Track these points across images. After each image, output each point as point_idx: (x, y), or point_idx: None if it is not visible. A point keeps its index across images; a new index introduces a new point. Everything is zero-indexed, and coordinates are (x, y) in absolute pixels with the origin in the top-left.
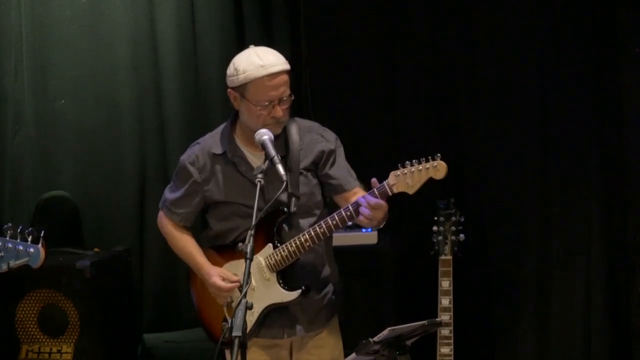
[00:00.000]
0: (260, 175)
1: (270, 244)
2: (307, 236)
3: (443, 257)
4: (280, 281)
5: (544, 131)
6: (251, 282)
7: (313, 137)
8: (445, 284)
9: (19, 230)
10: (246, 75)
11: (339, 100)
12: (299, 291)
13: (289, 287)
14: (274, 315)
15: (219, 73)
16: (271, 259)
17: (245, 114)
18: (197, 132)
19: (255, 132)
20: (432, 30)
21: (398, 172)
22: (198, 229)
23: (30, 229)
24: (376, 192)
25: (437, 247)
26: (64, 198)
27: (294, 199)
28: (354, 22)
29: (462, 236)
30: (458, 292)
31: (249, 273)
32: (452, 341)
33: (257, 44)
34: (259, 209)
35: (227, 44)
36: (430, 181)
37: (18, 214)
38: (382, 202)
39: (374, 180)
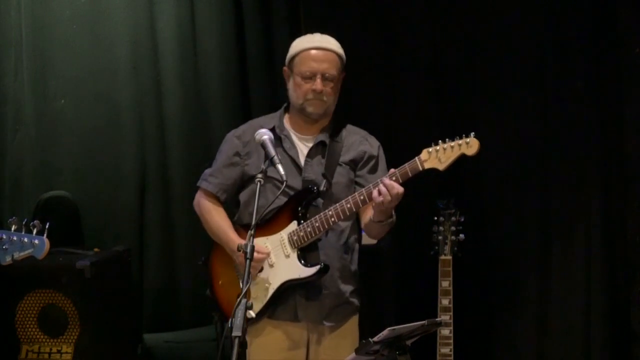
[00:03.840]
0: (260, 176)
1: (295, 221)
2: (333, 212)
3: (443, 257)
4: (301, 259)
5: (544, 131)
6: (270, 259)
7: (358, 139)
8: (445, 284)
9: (23, 223)
10: (297, 47)
11: (339, 98)
12: (317, 267)
13: (309, 265)
14: (289, 297)
15: (219, 72)
16: (294, 235)
17: (291, 89)
18: (197, 132)
19: (300, 109)
20: (432, 28)
21: (430, 149)
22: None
23: (35, 220)
24: (407, 167)
25: (437, 247)
26: (63, 198)
27: (325, 181)
28: (354, 22)
29: (462, 236)
30: (458, 292)
31: (249, 273)
32: (452, 341)
33: (256, 44)
34: (290, 187)
35: (226, 44)
36: (462, 158)
37: (18, 213)
38: (396, 186)
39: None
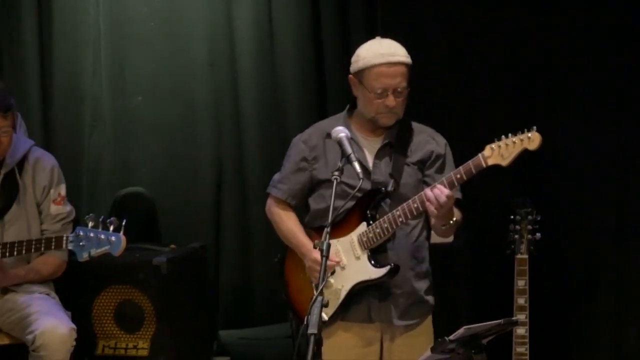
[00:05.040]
0: (336, 173)
1: (364, 222)
2: (401, 211)
3: (519, 256)
4: (371, 260)
5: (623, 134)
6: (342, 262)
7: (425, 138)
8: (521, 283)
9: (100, 219)
10: (365, 61)
11: (417, 98)
12: (388, 267)
13: (379, 266)
14: (361, 298)
15: (295, 71)
16: (364, 236)
17: (361, 100)
18: (273, 130)
19: (371, 120)
20: (512, 27)
21: (493, 145)
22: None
23: (112, 217)
24: (470, 164)
25: (513, 246)
26: (140, 194)
27: (392, 180)
28: (431, 21)
29: (538, 235)
30: (533, 291)
31: (325, 271)
32: (527, 340)
33: (333, 44)
34: (359, 189)
35: (303, 43)
36: (525, 152)
37: (95, 210)
38: (433, 196)
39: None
